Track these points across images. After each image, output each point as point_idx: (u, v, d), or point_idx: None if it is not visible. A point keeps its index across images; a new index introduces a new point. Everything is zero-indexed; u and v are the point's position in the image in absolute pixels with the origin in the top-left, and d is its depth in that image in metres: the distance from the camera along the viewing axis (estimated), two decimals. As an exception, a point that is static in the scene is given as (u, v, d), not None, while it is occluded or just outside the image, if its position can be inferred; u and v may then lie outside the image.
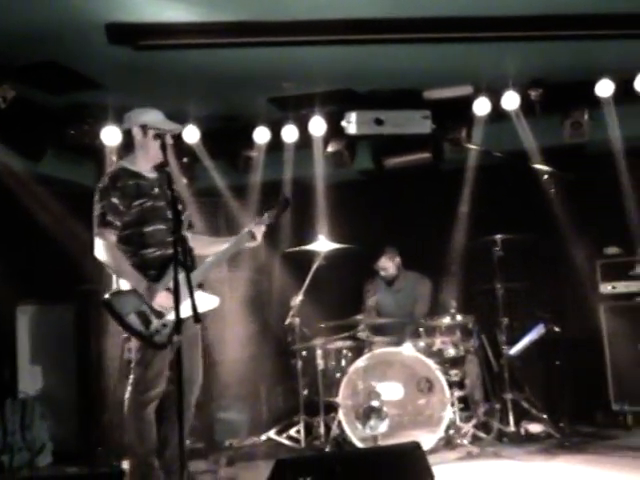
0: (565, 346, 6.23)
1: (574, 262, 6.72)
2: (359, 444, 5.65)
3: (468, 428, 5.90)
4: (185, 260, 3.97)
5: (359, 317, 6.38)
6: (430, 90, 6.68)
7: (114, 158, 6.34)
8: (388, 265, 6.93)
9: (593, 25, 5.53)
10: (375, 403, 5.67)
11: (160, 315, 4.24)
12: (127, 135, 4.63)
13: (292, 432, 6.23)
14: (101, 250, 4.33)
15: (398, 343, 6.14)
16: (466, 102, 6.73)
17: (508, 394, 6.09)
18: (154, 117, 4.56)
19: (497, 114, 6.72)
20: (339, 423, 5.83)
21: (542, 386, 6.60)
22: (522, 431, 6.00)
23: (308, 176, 7.25)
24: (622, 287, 6.58)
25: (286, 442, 6.21)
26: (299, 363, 6.28)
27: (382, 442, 5.50)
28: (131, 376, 4.40)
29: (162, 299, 4.24)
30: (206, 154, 7.17)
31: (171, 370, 4.44)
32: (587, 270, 6.70)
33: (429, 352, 6.01)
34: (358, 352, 6.18)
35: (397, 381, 5.85)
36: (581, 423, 6.24)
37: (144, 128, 4.51)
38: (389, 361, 5.94)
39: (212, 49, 5.59)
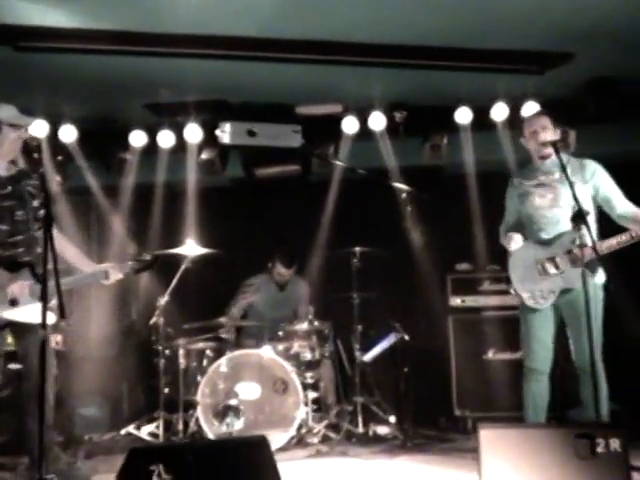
0: (414, 354, 6.60)
1: (426, 276, 7.16)
2: (215, 440, 5.88)
3: (319, 428, 6.22)
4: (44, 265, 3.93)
5: (222, 319, 6.60)
6: (302, 106, 7.01)
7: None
8: (286, 273, 7.22)
9: (451, 57, 6.00)
10: (233, 402, 5.91)
11: None
12: None
13: (151, 428, 6.37)
14: None
15: (258, 345, 6.40)
16: (336, 120, 7.10)
17: (359, 397, 6.45)
18: (6, 112, 4.62)
19: (364, 133, 7.10)
20: (197, 420, 6.04)
21: (391, 391, 6.94)
22: (370, 432, 6.35)
23: (180, 181, 7.46)
24: (470, 301, 7.01)
25: (145, 437, 6.34)
26: (162, 362, 6.41)
27: (237, 439, 5.73)
28: None
29: (17, 287, 4.41)
30: (81, 154, 7.26)
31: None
32: (438, 284, 7.13)
33: (287, 355, 6.30)
34: (219, 353, 6.37)
35: (255, 382, 6.09)
36: (425, 427, 6.61)
37: None
38: (248, 362, 6.16)
39: (91, 55, 5.72)
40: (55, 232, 4.86)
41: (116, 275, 4.85)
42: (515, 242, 5.11)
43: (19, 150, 4.54)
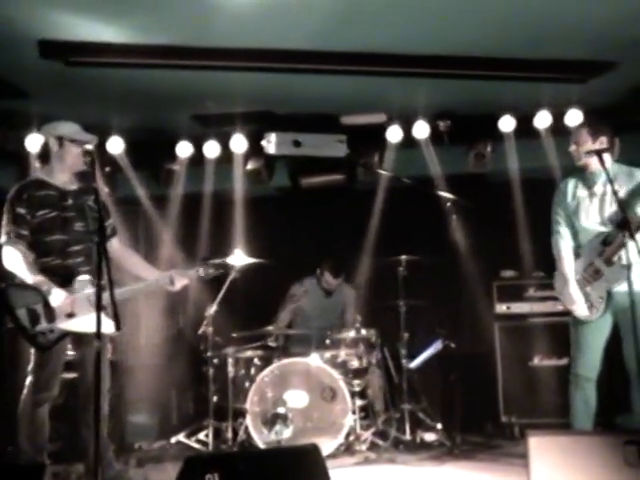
0: (460, 361, 6.62)
1: (471, 283, 7.16)
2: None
3: (367, 435, 6.27)
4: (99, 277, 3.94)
5: (269, 328, 6.69)
6: (346, 116, 7.08)
7: (37, 165, 6.48)
8: (334, 282, 7.29)
9: (495, 67, 6.02)
10: (281, 410, 5.98)
11: (51, 319, 4.46)
12: (44, 147, 4.83)
13: (201, 436, 6.46)
14: (7, 258, 4.57)
15: (305, 353, 6.44)
16: (380, 129, 7.15)
17: (406, 405, 6.51)
18: (70, 129, 4.78)
19: (408, 141, 7.16)
20: (246, 428, 6.11)
21: (438, 398, 7.03)
22: (417, 439, 6.38)
23: (227, 190, 7.56)
24: (516, 308, 7.06)
25: (195, 445, 6.43)
26: (211, 370, 6.50)
27: (286, 447, 5.80)
28: (28, 377, 4.61)
29: (65, 303, 4.47)
30: (129, 165, 7.40)
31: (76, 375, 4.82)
32: (483, 291, 7.15)
33: (334, 363, 6.36)
34: (267, 361, 6.44)
35: (303, 390, 6.14)
36: (472, 433, 6.63)
37: (60, 140, 4.74)
38: (296, 370, 6.22)
39: (139, 69, 5.84)
40: (117, 243, 5.04)
41: (181, 280, 4.91)
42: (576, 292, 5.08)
43: (81, 166, 4.65)
